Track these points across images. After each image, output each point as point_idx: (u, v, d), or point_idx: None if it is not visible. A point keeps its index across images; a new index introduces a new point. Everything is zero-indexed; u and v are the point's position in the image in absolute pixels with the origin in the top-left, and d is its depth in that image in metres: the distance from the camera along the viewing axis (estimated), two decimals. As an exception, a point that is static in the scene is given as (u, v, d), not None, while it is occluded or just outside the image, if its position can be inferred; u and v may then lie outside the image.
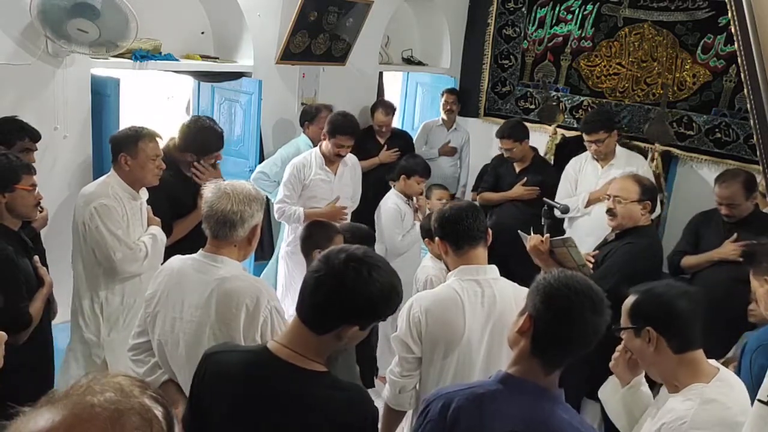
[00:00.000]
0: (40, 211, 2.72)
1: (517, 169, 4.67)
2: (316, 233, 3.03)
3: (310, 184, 3.89)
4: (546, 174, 4.71)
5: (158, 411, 0.88)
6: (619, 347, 1.94)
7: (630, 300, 1.82)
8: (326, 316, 1.49)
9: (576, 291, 1.51)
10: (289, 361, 1.50)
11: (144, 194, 2.95)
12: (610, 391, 1.99)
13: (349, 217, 4.06)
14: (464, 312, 2.12)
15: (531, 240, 2.99)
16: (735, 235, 3.44)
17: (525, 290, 2.20)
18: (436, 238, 2.29)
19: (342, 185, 4.02)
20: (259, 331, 1.99)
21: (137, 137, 2.83)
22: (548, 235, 3.04)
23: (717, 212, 3.62)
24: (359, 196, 4.29)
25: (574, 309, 1.49)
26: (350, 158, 4.09)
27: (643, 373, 1.93)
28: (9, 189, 2.40)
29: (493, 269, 2.23)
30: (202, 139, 3.30)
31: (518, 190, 4.59)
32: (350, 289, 1.46)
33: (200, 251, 2.09)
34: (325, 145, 3.89)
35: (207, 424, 1.59)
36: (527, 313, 1.56)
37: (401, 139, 5.26)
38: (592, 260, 3.06)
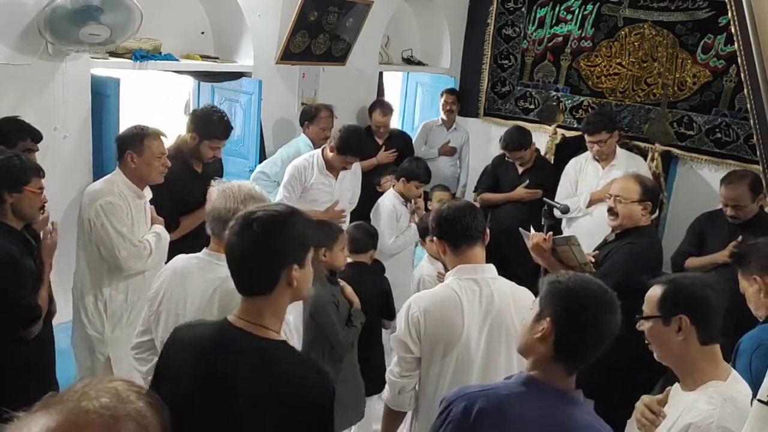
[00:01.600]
0: (42, 214, 2.72)
1: (520, 170, 4.67)
2: (318, 233, 3.02)
3: (311, 188, 3.87)
4: (547, 174, 4.71)
5: (154, 417, 0.88)
6: (644, 413, 1.86)
7: (658, 289, 1.82)
8: (259, 271, 1.54)
9: (595, 293, 1.55)
10: (247, 329, 1.55)
11: (148, 193, 2.98)
12: None
13: (348, 218, 4.06)
14: (463, 311, 2.12)
15: (533, 238, 2.98)
16: (740, 238, 3.42)
17: (523, 289, 2.22)
18: (435, 238, 2.28)
19: (342, 189, 4.01)
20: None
21: (143, 135, 2.89)
22: (551, 233, 3.03)
23: (721, 213, 3.60)
24: (358, 198, 4.28)
25: (595, 311, 1.53)
26: None
27: None
28: (18, 190, 2.42)
29: (491, 268, 2.23)
30: (208, 120, 3.35)
31: (520, 191, 4.60)
32: (262, 238, 1.51)
33: (204, 250, 2.12)
34: (328, 153, 3.86)
35: (173, 392, 1.60)
36: (548, 318, 1.56)
37: (400, 140, 5.25)
38: (593, 260, 3.05)
